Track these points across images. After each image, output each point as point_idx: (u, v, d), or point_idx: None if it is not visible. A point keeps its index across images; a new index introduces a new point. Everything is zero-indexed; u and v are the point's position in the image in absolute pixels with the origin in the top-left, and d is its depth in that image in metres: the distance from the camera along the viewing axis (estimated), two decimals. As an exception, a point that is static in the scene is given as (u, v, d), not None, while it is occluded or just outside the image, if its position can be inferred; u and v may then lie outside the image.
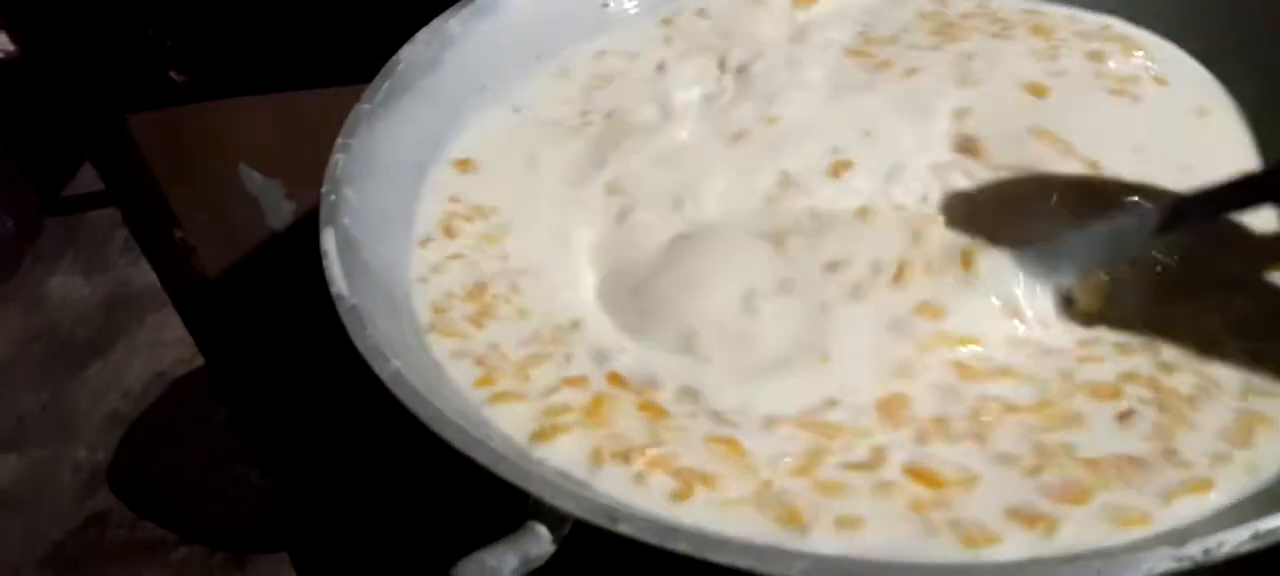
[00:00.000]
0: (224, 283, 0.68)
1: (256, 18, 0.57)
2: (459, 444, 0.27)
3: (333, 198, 0.35)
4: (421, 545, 0.63)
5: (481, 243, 0.38)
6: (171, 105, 0.61)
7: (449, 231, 0.38)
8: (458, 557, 0.26)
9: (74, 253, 1.27)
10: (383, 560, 0.65)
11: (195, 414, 1.03)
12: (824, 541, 0.25)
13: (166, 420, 1.04)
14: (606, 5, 0.46)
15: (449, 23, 0.43)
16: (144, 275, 0.71)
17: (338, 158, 0.36)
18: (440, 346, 0.33)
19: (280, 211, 0.64)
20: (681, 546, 0.24)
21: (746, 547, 0.24)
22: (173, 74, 0.59)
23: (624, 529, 0.24)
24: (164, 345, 1.18)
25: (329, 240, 0.33)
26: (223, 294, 0.68)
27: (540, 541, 0.26)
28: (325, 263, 0.32)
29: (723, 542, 0.24)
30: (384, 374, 0.29)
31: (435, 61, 0.42)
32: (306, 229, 0.33)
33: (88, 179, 1.25)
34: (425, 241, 0.38)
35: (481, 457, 0.26)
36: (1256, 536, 0.22)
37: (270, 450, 0.76)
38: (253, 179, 0.64)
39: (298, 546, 0.79)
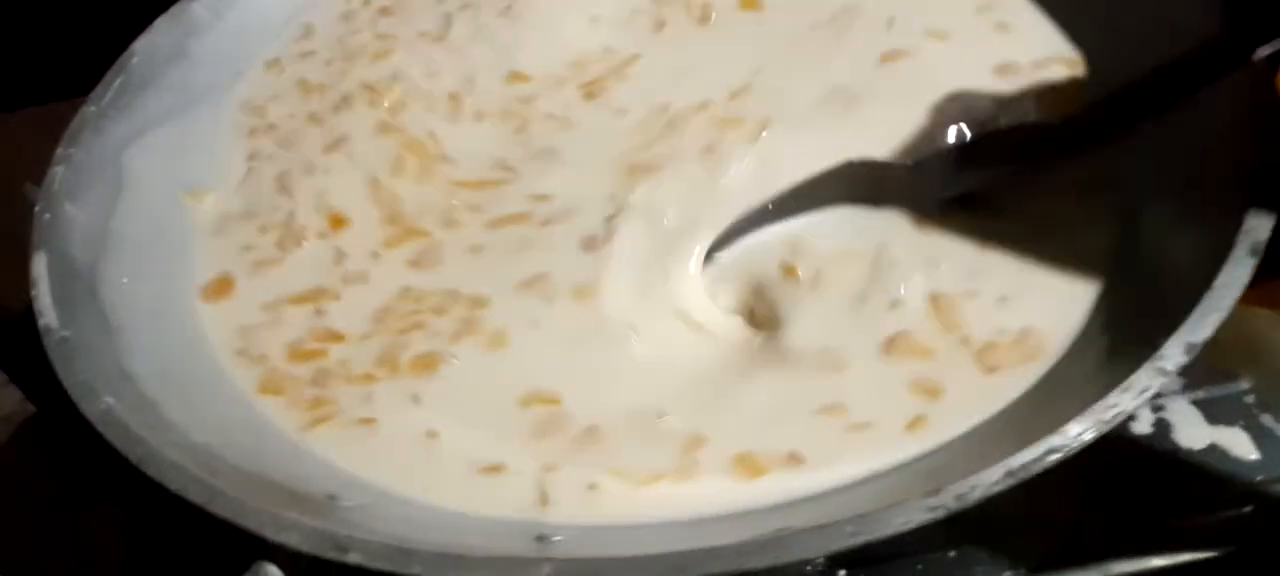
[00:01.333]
0: (30, 314, 0.62)
1: (20, 25, 0.52)
2: (173, 485, 0.24)
3: (47, 216, 0.31)
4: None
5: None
6: (-61, 124, 0.55)
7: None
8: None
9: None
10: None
11: (42, 458, 0.96)
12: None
13: (10, 467, 0.97)
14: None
15: (193, 7, 0.39)
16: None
17: (56, 170, 0.32)
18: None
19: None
20: (416, 569, 0.21)
21: (488, 562, 0.21)
22: (-73, 94, 0.54)
23: (354, 558, 0.22)
24: (6, 385, 1.09)
25: (39, 266, 0.29)
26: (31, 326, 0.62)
27: (272, 582, 0.23)
28: (33, 292, 0.29)
29: (460, 560, 0.21)
30: (91, 413, 0.25)
31: (178, 50, 0.38)
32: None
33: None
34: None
35: (194, 495, 0.23)
36: (1010, 473, 0.21)
37: (120, 491, 0.71)
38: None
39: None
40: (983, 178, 0.30)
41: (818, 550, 0.21)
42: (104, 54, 0.40)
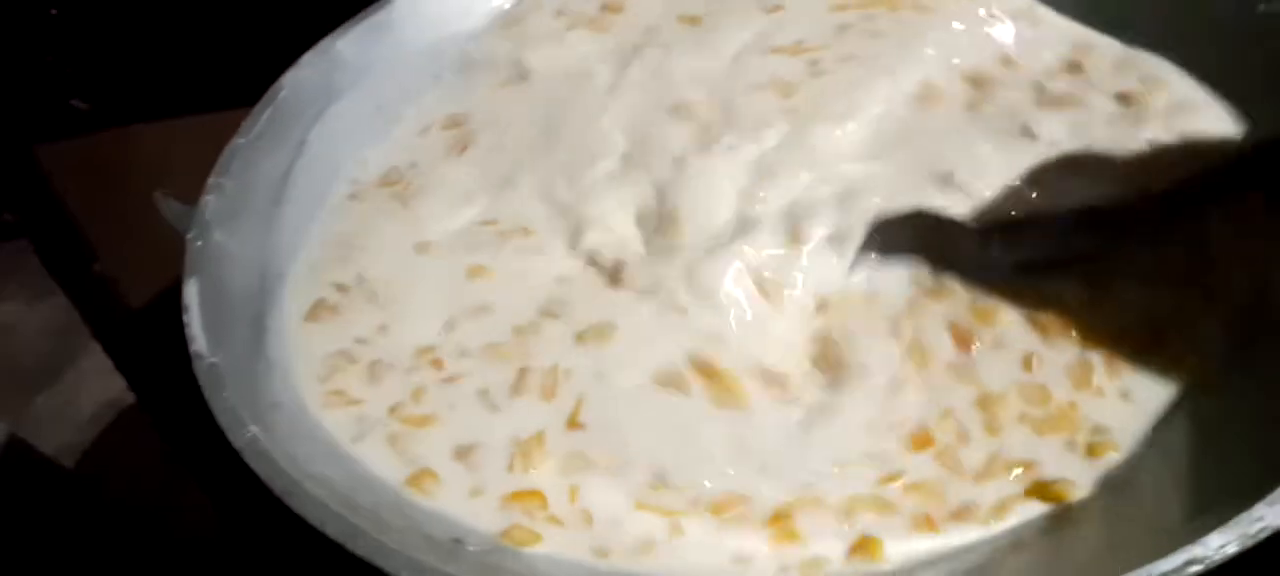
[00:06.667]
0: (148, 314, 0.65)
1: (157, 40, 0.55)
2: (313, 518, 0.25)
3: (199, 243, 0.33)
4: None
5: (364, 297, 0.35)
6: (78, 133, 0.58)
7: (336, 282, 0.35)
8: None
9: (20, 279, 1.24)
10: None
11: (148, 440, 1.00)
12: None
13: (118, 447, 1.02)
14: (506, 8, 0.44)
15: (337, 44, 0.40)
16: (93, 300, 0.68)
17: (207, 199, 0.34)
18: (318, 402, 0.31)
19: (202, 239, 0.61)
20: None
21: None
22: (75, 102, 0.57)
23: (488, 607, 0.23)
24: (115, 372, 1.14)
25: (191, 292, 0.31)
26: (147, 326, 0.65)
27: (405, 622, 0.24)
28: (185, 317, 0.30)
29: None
30: (238, 441, 0.27)
31: (325, 85, 0.40)
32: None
33: (30, 202, 1.21)
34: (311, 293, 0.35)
35: (334, 531, 0.24)
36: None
37: (210, 480, 0.74)
38: (170, 207, 0.61)
39: (241, 579, 0.76)
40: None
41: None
42: (231, 71, 0.42)
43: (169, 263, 0.64)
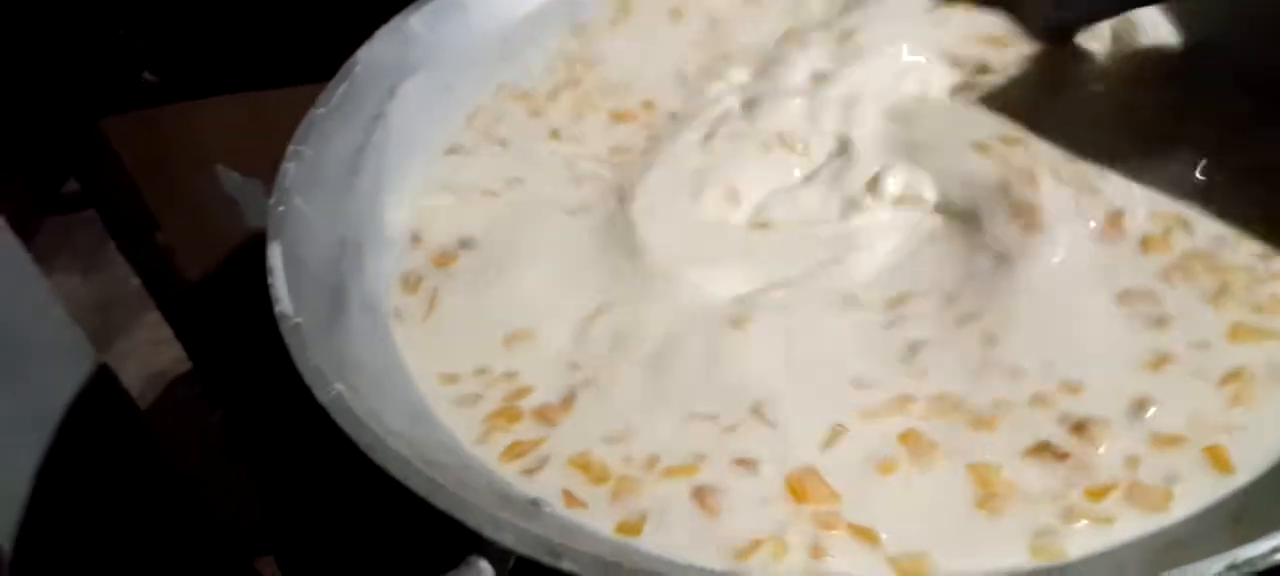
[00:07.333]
0: (207, 285, 0.67)
1: (228, 15, 0.56)
2: (396, 473, 0.25)
3: (281, 209, 0.34)
4: (404, 553, 0.62)
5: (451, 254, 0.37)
6: (145, 106, 0.60)
7: (417, 241, 0.37)
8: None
9: (71, 251, 1.27)
10: (368, 568, 0.64)
11: (192, 414, 1.03)
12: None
13: (162, 420, 1.04)
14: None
15: (410, 20, 0.41)
16: (142, 273, 0.70)
17: (288, 166, 0.35)
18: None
19: (261, 211, 0.62)
20: (626, 584, 0.23)
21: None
22: (145, 74, 0.58)
23: (567, 565, 0.23)
24: (162, 343, 1.16)
25: (275, 255, 0.32)
26: (205, 296, 0.67)
27: (482, 576, 0.24)
28: (270, 280, 0.31)
29: (670, 579, 0.22)
30: (323, 398, 0.27)
31: (398, 61, 0.40)
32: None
33: (84, 177, 1.23)
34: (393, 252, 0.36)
35: (416, 486, 0.25)
36: (1233, 567, 0.21)
37: (257, 453, 0.75)
38: (231, 179, 0.62)
39: (283, 550, 0.78)
40: None
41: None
42: (292, 48, 0.43)
43: (224, 236, 0.65)
